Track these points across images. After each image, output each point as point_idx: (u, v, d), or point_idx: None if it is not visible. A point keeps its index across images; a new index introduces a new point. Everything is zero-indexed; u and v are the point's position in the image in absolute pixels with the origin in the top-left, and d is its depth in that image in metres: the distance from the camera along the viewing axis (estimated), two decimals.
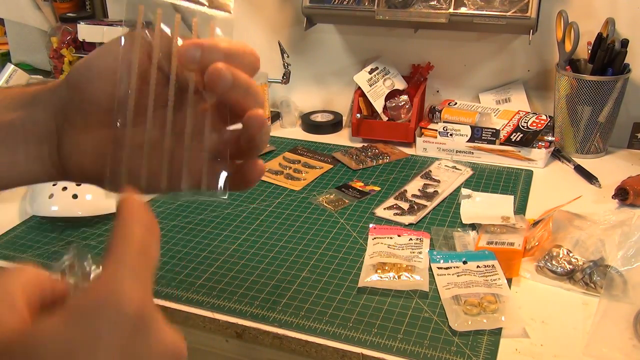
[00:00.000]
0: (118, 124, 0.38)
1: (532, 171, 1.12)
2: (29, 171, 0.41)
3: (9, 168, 0.40)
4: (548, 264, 0.81)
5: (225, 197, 0.40)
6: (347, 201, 1.02)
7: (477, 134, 1.16)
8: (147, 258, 0.28)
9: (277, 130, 1.36)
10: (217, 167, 0.42)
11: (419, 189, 1.05)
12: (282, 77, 1.35)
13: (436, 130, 1.19)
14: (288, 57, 1.33)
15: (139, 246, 0.28)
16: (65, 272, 0.31)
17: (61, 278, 0.31)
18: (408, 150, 1.22)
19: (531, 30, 1.11)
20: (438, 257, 0.83)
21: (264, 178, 1.10)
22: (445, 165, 1.14)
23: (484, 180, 1.09)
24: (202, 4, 0.41)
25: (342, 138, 1.31)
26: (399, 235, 0.89)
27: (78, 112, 0.39)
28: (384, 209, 0.99)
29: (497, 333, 0.70)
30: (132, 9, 0.39)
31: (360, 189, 1.06)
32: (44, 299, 0.28)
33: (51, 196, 0.95)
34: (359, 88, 1.25)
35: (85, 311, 0.25)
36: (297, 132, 1.35)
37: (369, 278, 0.80)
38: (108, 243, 0.28)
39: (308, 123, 1.35)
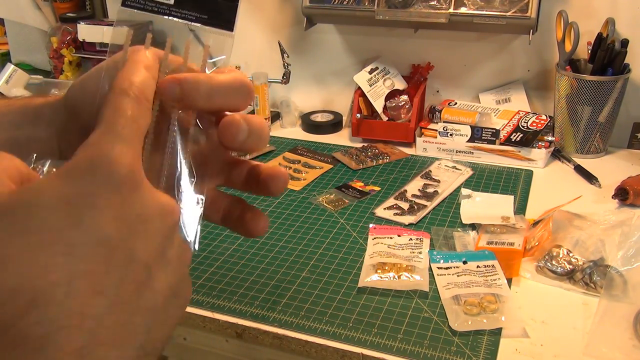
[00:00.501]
0: None
1: (532, 171, 1.12)
2: None
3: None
4: (548, 264, 0.81)
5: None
6: (347, 201, 1.02)
7: (477, 134, 1.16)
8: (137, 127, 0.29)
9: (277, 130, 1.36)
10: (219, 200, 0.42)
11: (419, 189, 1.05)
12: (282, 77, 1.35)
13: (436, 130, 1.19)
14: (288, 57, 1.33)
15: (128, 116, 0.29)
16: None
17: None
18: (408, 150, 1.22)
19: (531, 30, 1.11)
20: (438, 257, 0.83)
21: None
22: (445, 165, 1.14)
23: (484, 180, 1.09)
24: (201, 22, 0.39)
25: (342, 138, 1.31)
26: (399, 235, 0.89)
27: (76, 133, 0.39)
28: (384, 209, 0.99)
29: (497, 333, 0.70)
30: (118, 31, 0.38)
31: (360, 189, 1.06)
32: (23, 183, 0.29)
33: None
34: (359, 88, 1.25)
35: (79, 171, 0.26)
36: (297, 132, 1.35)
37: (369, 278, 0.80)
38: (99, 113, 0.29)
39: (308, 123, 1.35)
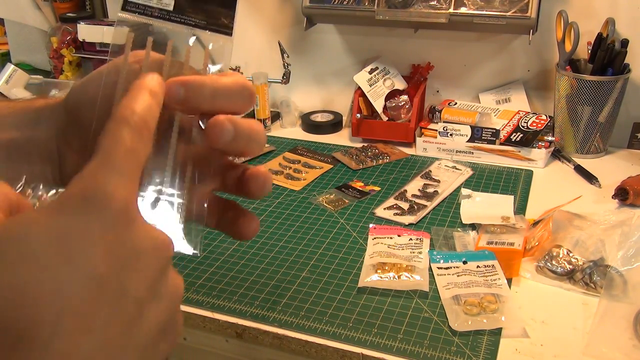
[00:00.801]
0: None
1: (532, 171, 1.12)
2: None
3: (14, 185, 0.40)
4: (548, 264, 0.81)
5: (195, 253, 0.38)
6: (347, 201, 1.02)
7: (477, 134, 1.16)
8: (135, 159, 0.28)
9: (277, 130, 1.36)
10: (215, 204, 0.41)
11: (419, 189, 1.05)
12: (282, 77, 1.35)
13: (436, 130, 1.19)
14: (288, 57, 1.33)
15: (127, 147, 0.28)
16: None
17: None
18: (408, 150, 1.22)
19: (531, 30, 1.11)
20: (438, 257, 0.83)
21: None
22: (445, 165, 1.14)
23: (484, 180, 1.09)
24: (200, 27, 0.39)
25: (342, 138, 1.31)
26: (399, 235, 0.89)
27: (75, 135, 0.39)
28: (384, 209, 0.99)
29: (497, 333, 0.70)
30: (119, 31, 0.37)
31: (360, 189, 1.06)
32: (12, 209, 0.28)
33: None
34: (359, 88, 1.25)
35: (72, 204, 0.25)
36: (297, 132, 1.35)
37: (369, 278, 0.80)
38: (97, 142, 0.28)
39: (308, 123, 1.35)
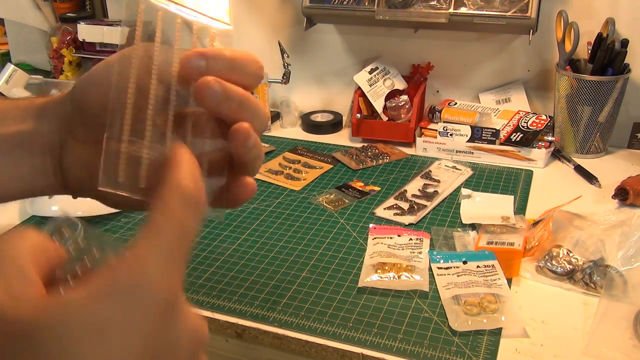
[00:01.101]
0: (109, 135, 0.36)
1: (532, 171, 1.12)
2: (32, 183, 0.41)
3: (14, 180, 0.40)
4: (548, 264, 0.81)
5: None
6: (347, 201, 1.02)
7: (477, 134, 1.16)
8: (185, 238, 0.27)
9: (277, 130, 1.36)
10: (211, 182, 0.40)
11: (419, 189, 1.05)
12: (282, 77, 1.35)
13: (436, 130, 1.19)
14: (288, 57, 1.33)
15: (178, 224, 0.27)
16: (55, 238, 0.30)
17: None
18: (408, 150, 1.22)
19: (531, 30, 1.11)
20: (438, 257, 0.83)
21: (263, 178, 1.11)
22: (445, 165, 1.14)
23: (484, 180, 1.09)
24: (203, 14, 0.39)
25: (342, 138, 1.31)
26: (399, 235, 0.89)
27: (80, 125, 0.39)
28: (384, 209, 0.99)
29: (497, 333, 0.70)
30: (132, 9, 0.38)
31: (360, 189, 1.06)
32: (51, 265, 0.27)
33: (51, 196, 0.95)
34: (359, 88, 1.25)
35: (115, 288, 0.24)
36: (297, 132, 1.35)
37: (369, 278, 0.80)
38: (148, 215, 0.27)
39: (308, 123, 1.35)
